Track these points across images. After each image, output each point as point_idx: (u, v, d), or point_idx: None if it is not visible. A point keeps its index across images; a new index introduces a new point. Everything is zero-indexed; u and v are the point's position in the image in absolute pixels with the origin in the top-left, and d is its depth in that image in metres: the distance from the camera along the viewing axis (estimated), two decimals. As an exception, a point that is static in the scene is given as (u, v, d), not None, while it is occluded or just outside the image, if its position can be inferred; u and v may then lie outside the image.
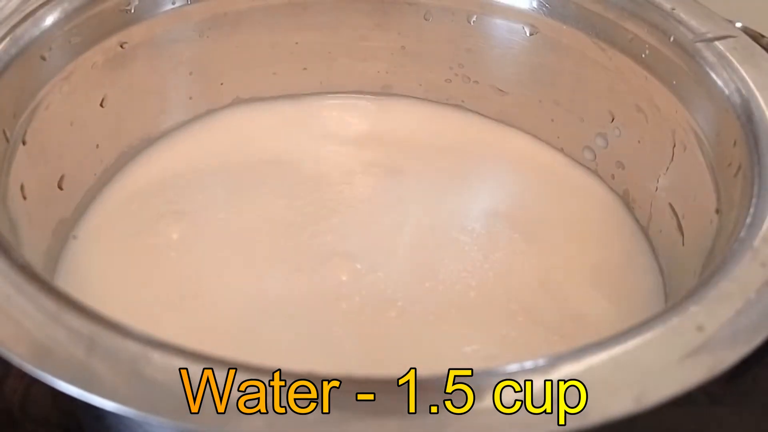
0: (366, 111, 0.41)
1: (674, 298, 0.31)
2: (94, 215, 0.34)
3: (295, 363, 0.26)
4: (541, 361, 0.19)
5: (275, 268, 0.32)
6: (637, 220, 0.36)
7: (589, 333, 0.29)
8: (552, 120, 0.39)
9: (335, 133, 0.40)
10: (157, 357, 0.18)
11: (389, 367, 0.26)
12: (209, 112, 0.39)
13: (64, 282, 0.31)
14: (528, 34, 0.38)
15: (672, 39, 0.33)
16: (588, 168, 0.38)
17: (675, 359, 0.19)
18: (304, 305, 0.30)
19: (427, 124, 0.40)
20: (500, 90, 0.40)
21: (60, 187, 0.33)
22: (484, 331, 0.30)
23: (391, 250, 0.33)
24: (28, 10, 0.30)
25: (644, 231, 0.35)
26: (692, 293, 0.21)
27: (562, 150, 0.39)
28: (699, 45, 0.32)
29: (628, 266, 0.34)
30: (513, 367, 0.19)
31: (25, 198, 0.29)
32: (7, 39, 0.29)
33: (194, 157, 0.37)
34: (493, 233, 0.34)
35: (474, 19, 0.38)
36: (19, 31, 0.29)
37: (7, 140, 0.28)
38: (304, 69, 0.41)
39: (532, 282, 0.32)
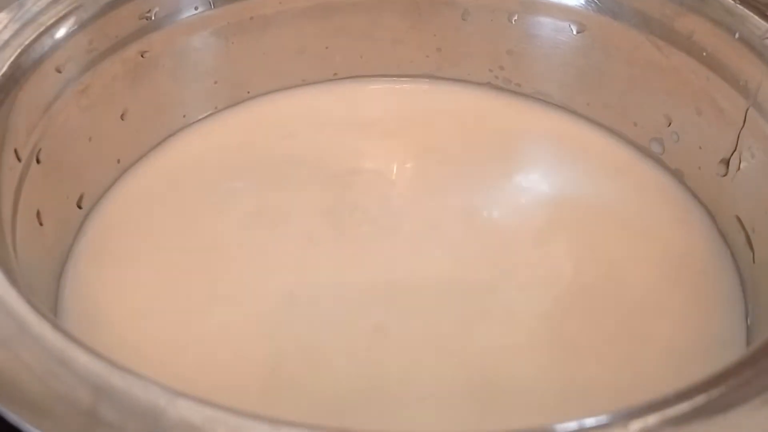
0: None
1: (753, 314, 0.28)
2: (104, 213, 0.32)
3: (337, 359, 0.26)
4: (604, 418, 0.16)
5: (310, 262, 0.30)
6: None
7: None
8: (602, 125, 0.36)
9: (371, 118, 0.37)
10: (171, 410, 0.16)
11: (438, 358, 0.26)
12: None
13: (71, 293, 0.29)
14: (575, 33, 0.35)
15: (737, 36, 0.30)
16: (653, 159, 0.35)
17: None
18: (341, 299, 0.29)
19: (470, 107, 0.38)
20: (544, 92, 0.37)
21: (79, 206, 0.31)
22: (541, 323, 0.28)
23: (438, 238, 0.31)
24: (40, 20, 0.28)
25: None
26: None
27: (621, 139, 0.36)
28: (769, 42, 0.29)
29: (698, 260, 0.31)
30: (573, 425, 0.16)
31: (41, 224, 0.27)
32: (19, 51, 0.27)
33: (217, 150, 0.35)
34: (547, 220, 0.32)
35: (515, 18, 0.36)
36: (31, 42, 0.28)
37: (19, 159, 0.26)
38: (335, 74, 0.39)
39: (600, 271, 0.30)
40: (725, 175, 0.31)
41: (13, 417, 0.15)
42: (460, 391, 0.26)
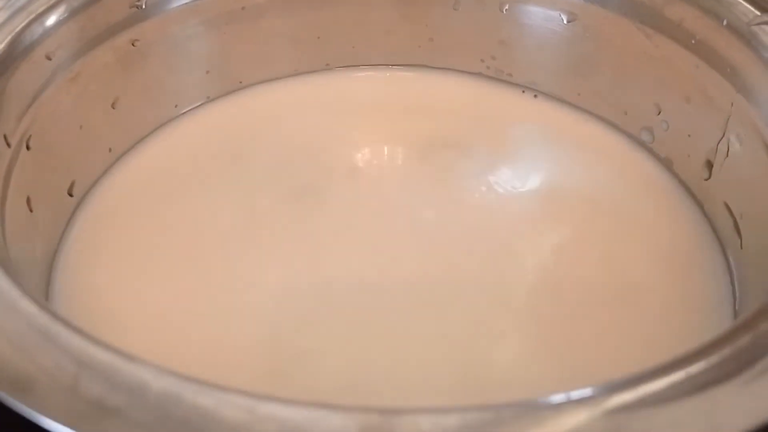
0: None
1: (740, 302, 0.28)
2: (95, 202, 0.32)
3: (328, 348, 0.26)
4: (588, 391, 0.16)
5: (302, 251, 0.30)
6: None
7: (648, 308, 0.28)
8: (593, 114, 0.36)
9: (363, 108, 0.38)
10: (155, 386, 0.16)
11: (433, 354, 0.26)
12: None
13: (63, 280, 0.29)
14: (565, 22, 0.35)
15: (725, 23, 0.30)
16: (643, 148, 0.35)
17: (748, 387, 0.17)
18: (334, 289, 0.29)
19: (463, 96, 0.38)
20: (535, 82, 0.37)
21: (70, 194, 0.31)
22: (529, 311, 0.28)
23: (428, 227, 0.32)
24: (31, 8, 0.28)
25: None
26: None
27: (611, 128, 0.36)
28: (756, 29, 0.29)
29: (687, 246, 0.31)
30: (558, 398, 0.16)
31: (31, 211, 0.28)
32: (9, 37, 0.28)
33: (208, 139, 0.35)
34: (539, 210, 0.32)
35: (506, 7, 0.36)
36: (21, 28, 0.28)
37: (9, 145, 0.26)
38: (327, 64, 0.39)
39: (590, 259, 0.30)
40: (708, 178, 0.31)
41: (-2, 392, 0.16)
42: (449, 380, 0.26)
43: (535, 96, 0.37)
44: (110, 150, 0.33)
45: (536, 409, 0.16)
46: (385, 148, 0.36)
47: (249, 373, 0.26)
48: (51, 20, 0.29)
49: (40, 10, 0.29)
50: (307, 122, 0.37)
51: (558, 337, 0.27)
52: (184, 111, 0.36)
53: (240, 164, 0.34)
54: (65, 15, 0.29)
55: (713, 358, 0.18)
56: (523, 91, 0.38)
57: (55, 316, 0.18)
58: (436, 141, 0.36)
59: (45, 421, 0.15)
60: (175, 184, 0.33)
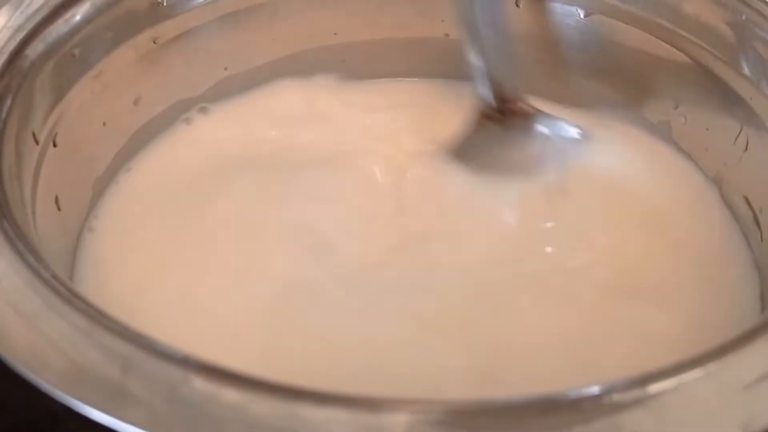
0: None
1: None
2: (117, 195, 0.32)
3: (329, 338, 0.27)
4: (625, 382, 0.17)
5: (315, 250, 0.30)
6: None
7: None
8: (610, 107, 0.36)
9: (379, 105, 0.38)
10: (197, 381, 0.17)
11: (449, 354, 0.26)
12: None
13: (85, 270, 0.29)
14: (582, 17, 0.35)
15: (744, 17, 0.30)
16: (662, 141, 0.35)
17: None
18: (341, 285, 0.29)
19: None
20: (552, 76, 0.37)
21: (93, 188, 0.32)
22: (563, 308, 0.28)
23: (445, 227, 0.32)
24: (55, 7, 0.29)
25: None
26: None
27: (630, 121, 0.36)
28: (775, 23, 0.29)
29: (712, 242, 0.31)
30: (594, 390, 0.16)
31: (59, 209, 0.28)
32: (36, 36, 0.28)
33: (226, 135, 0.36)
34: (560, 204, 0.32)
35: (522, 2, 0.36)
36: (47, 28, 0.28)
37: (37, 142, 0.27)
38: (343, 61, 0.39)
39: (611, 252, 0.30)
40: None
41: (47, 386, 0.16)
42: (467, 372, 0.26)
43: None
44: (132, 145, 0.33)
45: (577, 399, 0.16)
46: (402, 145, 0.36)
47: (266, 360, 0.26)
48: (75, 19, 0.29)
49: (65, 9, 0.29)
50: (324, 118, 0.37)
51: (584, 330, 0.27)
52: (204, 107, 0.36)
53: (258, 159, 0.35)
54: (89, 14, 0.30)
55: (745, 351, 0.18)
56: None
57: (97, 312, 0.18)
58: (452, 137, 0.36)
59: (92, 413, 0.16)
60: (195, 178, 0.33)
